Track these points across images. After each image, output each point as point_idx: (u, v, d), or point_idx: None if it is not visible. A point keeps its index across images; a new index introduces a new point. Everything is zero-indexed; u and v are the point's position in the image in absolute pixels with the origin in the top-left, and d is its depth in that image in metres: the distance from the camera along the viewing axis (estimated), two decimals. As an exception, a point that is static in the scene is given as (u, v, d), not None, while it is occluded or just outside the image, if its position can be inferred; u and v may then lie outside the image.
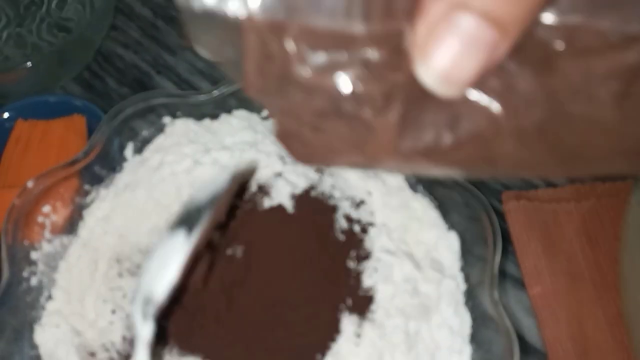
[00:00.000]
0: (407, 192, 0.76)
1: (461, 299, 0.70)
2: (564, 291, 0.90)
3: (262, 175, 0.71)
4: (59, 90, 1.00)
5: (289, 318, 0.61)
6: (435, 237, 0.73)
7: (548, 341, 0.85)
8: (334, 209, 0.70)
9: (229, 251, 0.63)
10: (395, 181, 0.77)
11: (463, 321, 0.68)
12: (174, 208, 0.68)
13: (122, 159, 0.76)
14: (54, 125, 0.89)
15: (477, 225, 0.72)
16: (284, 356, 0.60)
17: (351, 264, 0.67)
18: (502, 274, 0.72)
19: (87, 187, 0.74)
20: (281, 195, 0.69)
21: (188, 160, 0.71)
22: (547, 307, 0.87)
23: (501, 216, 0.97)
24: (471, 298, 0.71)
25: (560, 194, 1.00)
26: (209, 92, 0.77)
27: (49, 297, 0.68)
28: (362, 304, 0.65)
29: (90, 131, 0.88)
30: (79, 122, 0.90)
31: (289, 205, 0.69)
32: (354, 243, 0.69)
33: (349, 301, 0.65)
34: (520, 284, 0.92)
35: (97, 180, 0.75)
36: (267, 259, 0.64)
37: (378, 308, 0.65)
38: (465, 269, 0.73)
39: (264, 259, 0.64)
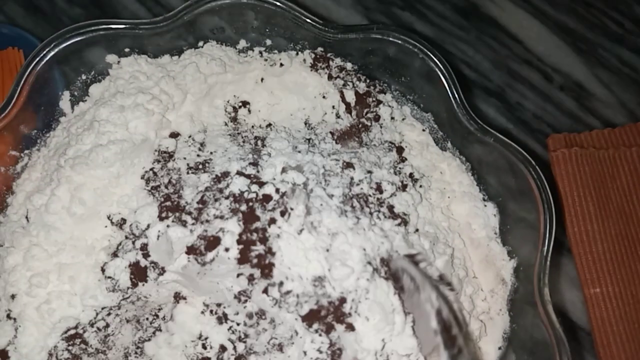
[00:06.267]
0: (433, 149, 0.58)
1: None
2: (618, 260, 0.73)
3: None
4: (-5, 13, 0.81)
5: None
6: (468, 212, 0.56)
7: (596, 322, 0.71)
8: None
9: None
10: (417, 135, 0.59)
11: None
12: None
13: (58, 113, 0.58)
14: (-19, 64, 0.70)
15: (523, 195, 0.55)
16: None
17: None
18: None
19: (13, 152, 0.57)
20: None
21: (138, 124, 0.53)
22: (597, 280, 0.72)
23: (545, 165, 0.80)
24: (513, 291, 0.55)
25: (619, 136, 0.81)
26: (169, 16, 0.57)
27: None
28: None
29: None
30: (14, 58, 0.72)
31: None
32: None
33: None
34: (564, 248, 0.76)
35: (28, 143, 0.58)
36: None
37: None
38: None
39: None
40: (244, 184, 0.49)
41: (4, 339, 0.50)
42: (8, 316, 0.51)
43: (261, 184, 0.49)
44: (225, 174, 0.50)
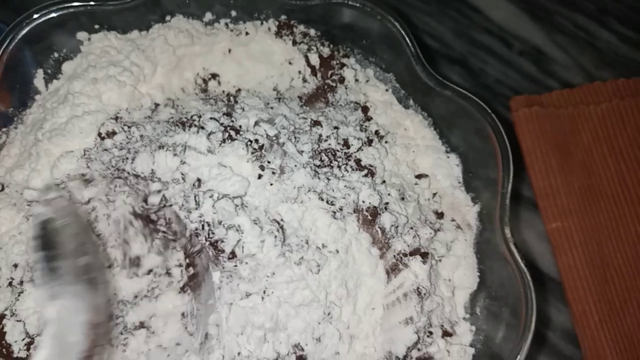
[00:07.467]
0: (397, 107, 0.61)
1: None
2: (582, 211, 0.77)
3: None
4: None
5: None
6: (432, 163, 0.59)
7: (563, 268, 0.74)
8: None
9: None
10: (381, 95, 0.62)
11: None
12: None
13: (33, 91, 0.60)
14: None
15: (482, 143, 0.58)
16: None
17: None
18: (515, 196, 0.58)
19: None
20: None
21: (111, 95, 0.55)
22: (563, 231, 0.75)
23: (510, 126, 0.83)
24: (479, 234, 0.58)
25: (578, 95, 0.85)
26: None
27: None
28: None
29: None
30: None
31: None
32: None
33: None
34: (532, 204, 0.80)
35: (5, 121, 0.59)
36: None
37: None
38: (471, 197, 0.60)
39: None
40: (215, 127, 0.51)
41: (1, 304, 0.51)
42: (10, 284, 0.52)
43: (237, 131, 0.51)
44: (197, 116, 0.52)
